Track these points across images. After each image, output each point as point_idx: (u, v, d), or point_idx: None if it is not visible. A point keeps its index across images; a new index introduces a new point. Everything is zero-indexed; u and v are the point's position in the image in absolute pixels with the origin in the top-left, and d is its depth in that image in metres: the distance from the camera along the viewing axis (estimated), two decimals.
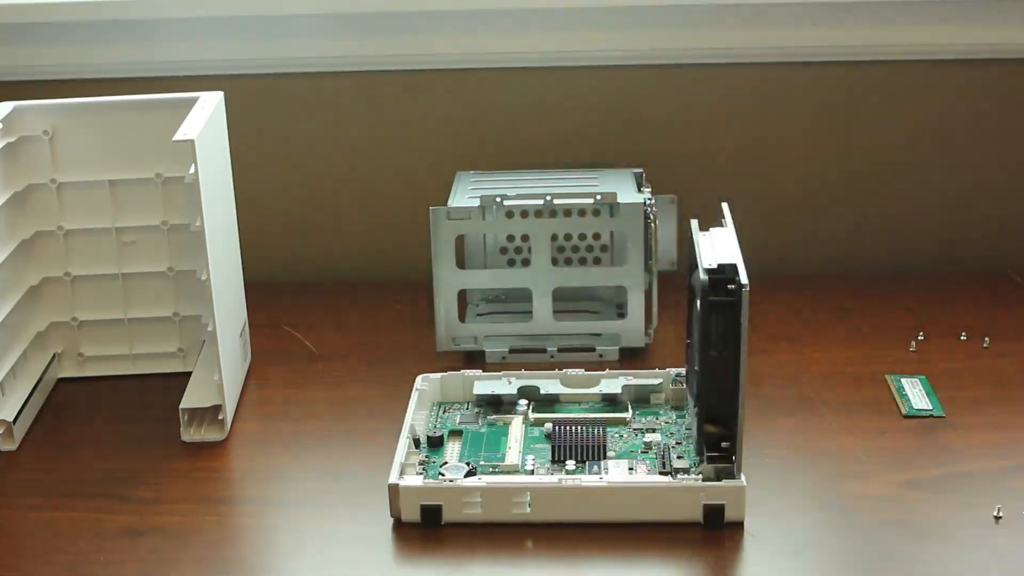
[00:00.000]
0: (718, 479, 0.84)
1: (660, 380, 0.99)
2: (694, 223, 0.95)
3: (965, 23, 1.22)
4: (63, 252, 1.07)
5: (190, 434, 0.98)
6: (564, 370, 1.01)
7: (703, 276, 0.86)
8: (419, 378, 1.00)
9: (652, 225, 1.07)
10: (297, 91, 1.28)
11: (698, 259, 0.89)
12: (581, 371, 1.00)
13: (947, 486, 0.88)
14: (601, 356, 1.09)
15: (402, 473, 0.86)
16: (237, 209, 1.09)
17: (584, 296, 1.16)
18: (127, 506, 0.90)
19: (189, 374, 1.04)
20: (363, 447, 0.96)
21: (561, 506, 0.84)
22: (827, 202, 1.30)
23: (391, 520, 0.85)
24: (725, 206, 0.99)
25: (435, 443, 0.92)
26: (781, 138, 1.28)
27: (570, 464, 0.89)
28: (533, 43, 1.25)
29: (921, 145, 1.28)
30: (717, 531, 0.83)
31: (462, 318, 1.13)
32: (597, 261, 1.17)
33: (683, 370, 0.99)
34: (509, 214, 1.08)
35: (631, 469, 0.89)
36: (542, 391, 0.98)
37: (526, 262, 1.14)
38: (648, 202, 1.08)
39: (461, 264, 1.13)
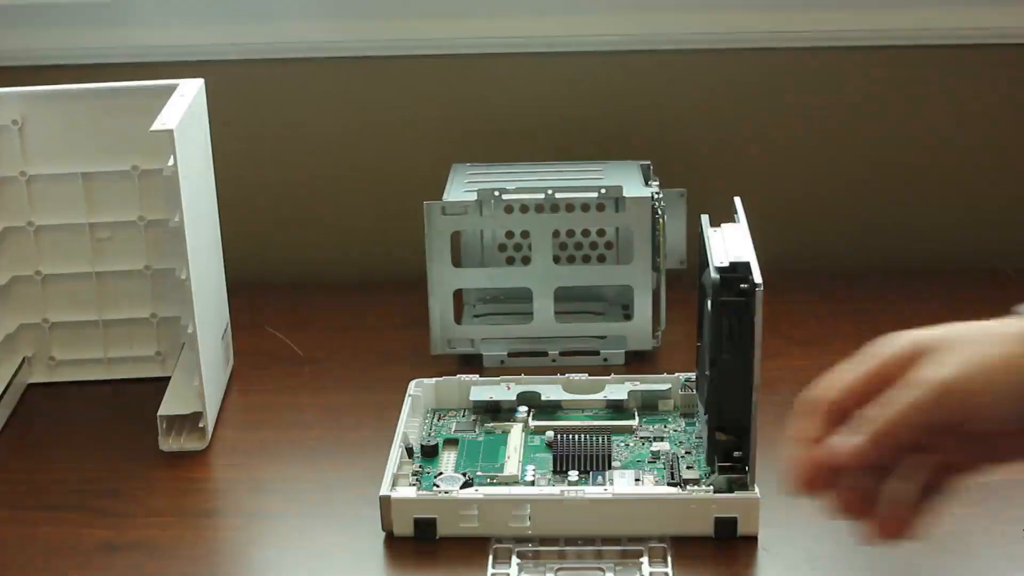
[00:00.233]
0: (730, 490, 0.84)
1: (668, 385, 0.99)
2: (705, 219, 0.96)
3: (996, 4, 1.23)
4: (33, 249, 1.07)
5: (169, 443, 0.98)
6: (566, 375, 1.01)
7: (714, 275, 0.86)
8: (412, 383, 1.00)
9: (660, 221, 1.08)
10: (282, 78, 1.28)
11: (709, 257, 0.89)
12: (584, 376, 1.01)
13: (970, 496, 0.88)
14: (606, 360, 1.09)
15: (394, 484, 0.87)
16: (219, 204, 1.09)
17: (588, 296, 1.16)
18: (103, 519, 0.90)
19: (168, 379, 1.05)
20: (353, 457, 0.97)
21: (563, 519, 0.84)
22: (845, 197, 1.30)
23: (383, 534, 0.86)
24: (738, 201, 0.99)
25: (429, 452, 0.92)
26: (797, 129, 1.28)
27: (573, 475, 0.89)
28: (533, 27, 1.25)
29: (948, 137, 1.28)
30: (729, 545, 0.83)
31: (458, 319, 1.13)
32: (601, 259, 1.17)
33: (693, 374, 0.99)
34: (508, 209, 1.08)
35: (638, 480, 0.89)
36: (543, 397, 0.99)
37: (526, 260, 1.14)
38: (656, 196, 1.08)
39: (457, 262, 1.13)
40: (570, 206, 1.08)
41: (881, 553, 0.82)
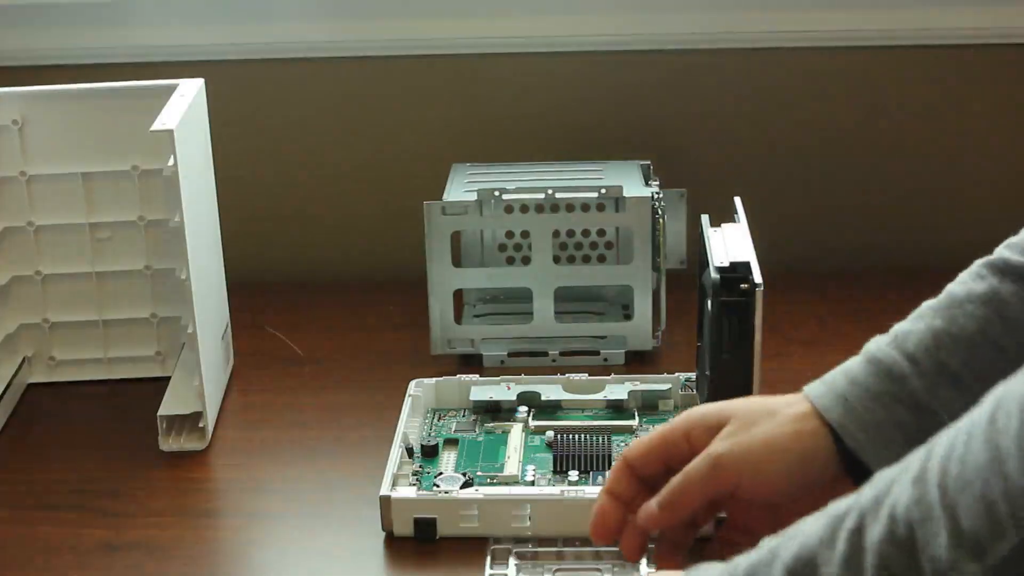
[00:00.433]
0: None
1: (669, 385, 0.99)
2: (705, 219, 0.96)
3: (996, 4, 1.23)
4: (33, 249, 1.07)
5: (169, 443, 0.98)
6: (566, 375, 1.01)
7: (714, 275, 0.87)
8: (412, 383, 1.00)
9: (660, 221, 1.08)
10: (282, 78, 1.28)
11: (709, 257, 0.90)
12: (585, 376, 1.01)
13: None
14: (606, 360, 1.09)
15: (394, 484, 0.87)
16: (219, 204, 1.09)
17: (588, 296, 1.16)
18: (102, 519, 0.90)
19: (168, 379, 1.05)
20: (353, 456, 0.97)
21: (563, 520, 0.84)
22: (846, 197, 1.30)
23: (383, 534, 0.86)
24: (738, 200, 0.99)
25: (429, 452, 0.92)
26: (797, 129, 1.28)
27: (573, 475, 0.89)
28: (533, 27, 1.25)
29: (949, 136, 1.28)
30: None
31: (458, 319, 1.13)
32: (602, 259, 1.17)
33: (693, 375, 0.99)
34: (508, 209, 1.08)
35: None
36: (543, 397, 0.99)
37: (526, 260, 1.14)
38: (656, 196, 1.08)
39: (457, 262, 1.14)
40: (570, 206, 1.08)
41: None
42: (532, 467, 0.91)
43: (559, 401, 0.99)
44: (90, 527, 0.89)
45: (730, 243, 0.91)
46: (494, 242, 1.17)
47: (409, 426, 0.95)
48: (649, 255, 1.08)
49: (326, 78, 1.28)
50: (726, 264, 0.87)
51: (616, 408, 0.98)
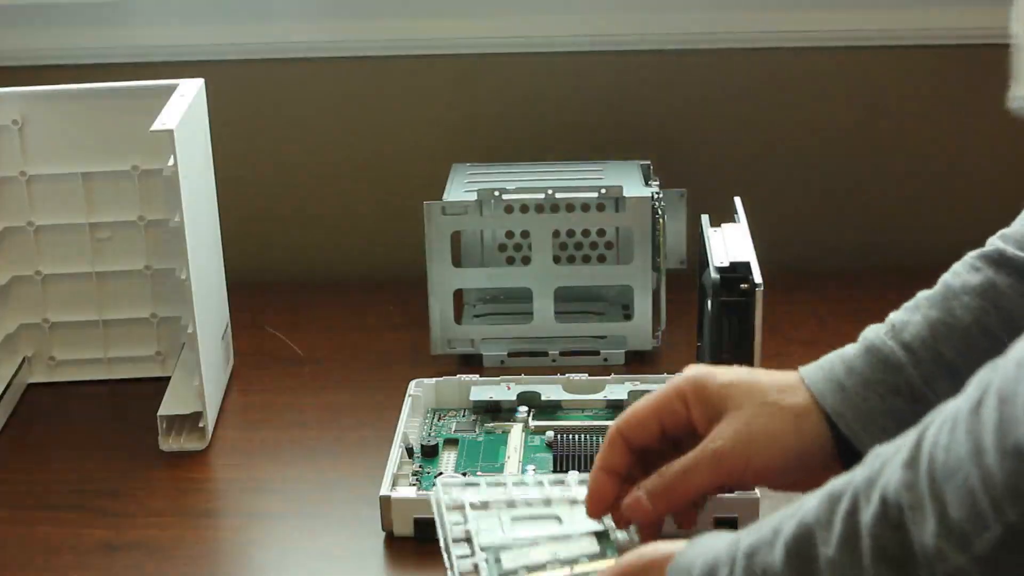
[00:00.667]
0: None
1: None
2: (705, 219, 0.96)
3: (996, 4, 1.23)
4: (33, 249, 1.07)
5: (169, 443, 0.98)
6: (566, 375, 1.01)
7: (714, 275, 0.87)
8: (412, 383, 1.00)
9: (660, 221, 1.08)
10: (282, 78, 1.28)
11: (709, 257, 0.90)
12: (585, 376, 1.01)
13: None
14: (606, 360, 1.09)
15: (394, 484, 0.87)
16: (219, 204, 1.09)
17: (588, 296, 1.16)
18: (102, 519, 0.90)
19: (168, 379, 1.05)
20: (353, 456, 0.97)
21: None
22: (846, 196, 1.30)
23: (383, 534, 0.86)
24: (738, 201, 0.99)
25: (429, 452, 0.92)
26: (797, 129, 1.28)
27: (573, 474, 0.89)
28: (533, 26, 1.25)
29: (949, 136, 1.28)
30: None
31: (458, 319, 1.13)
32: (602, 259, 1.17)
33: None
34: (508, 209, 1.08)
35: None
36: (543, 397, 0.99)
37: (526, 260, 1.14)
38: (656, 196, 1.08)
39: (457, 262, 1.14)
40: (570, 206, 1.08)
41: None
42: (532, 467, 0.91)
43: (559, 401, 0.99)
44: (90, 527, 0.89)
45: (730, 243, 0.91)
46: (494, 242, 1.17)
47: (409, 426, 0.95)
48: (649, 255, 1.08)
49: (326, 78, 1.28)
50: (726, 264, 0.87)
51: (616, 408, 0.98)
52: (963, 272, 0.75)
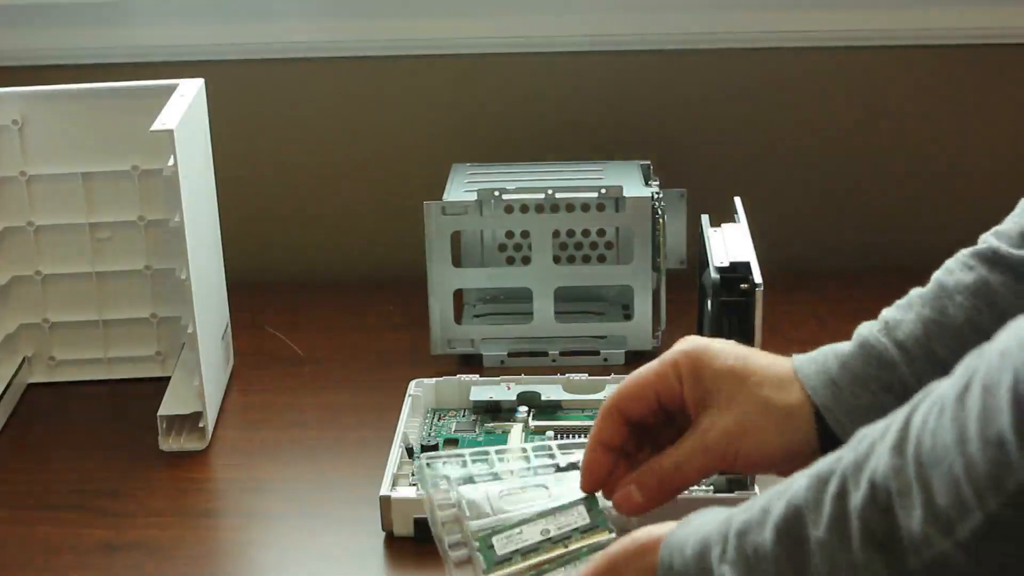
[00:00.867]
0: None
1: None
2: (705, 219, 0.96)
3: (996, 4, 1.23)
4: (33, 249, 1.07)
5: (169, 443, 0.98)
6: (566, 375, 1.01)
7: (714, 275, 0.87)
8: (412, 383, 1.00)
9: (660, 221, 1.08)
10: (282, 78, 1.28)
11: (709, 257, 0.89)
12: (585, 376, 1.01)
13: None
14: (606, 360, 1.09)
15: (394, 484, 0.87)
16: (219, 204, 1.09)
17: (588, 296, 1.16)
18: (103, 519, 0.90)
19: (168, 379, 1.05)
20: (353, 456, 0.97)
21: None
22: (846, 196, 1.30)
23: (383, 534, 0.86)
24: (738, 200, 0.99)
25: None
26: (797, 128, 1.28)
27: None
28: (533, 26, 1.25)
29: (949, 136, 1.28)
30: None
31: (458, 319, 1.13)
32: (602, 259, 1.17)
33: None
34: (508, 209, 1.08)
35: None
36: (543, 397, 0.99)
37: (526, 260, 1.14)
38: (656, 196, 1.08)
39: (457, 262, 1.13)
40: (570, 206, 1.08)
41: None
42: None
43: (559, 401, 0.99)
44: (90, 527, 0.89)
45: (730, 243, 0.91)
46: (494, 242, 1.17)
47: (409, 426, 0.95)
48: (649, 255, 1.08)
49: (326, 78, 1.28)
50: (726, 264, 0.87)
51: None
52: (956, 270, 0.75)
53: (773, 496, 0.59)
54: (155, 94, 1.01)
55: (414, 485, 0.88)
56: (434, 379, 1.01)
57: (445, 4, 1.25)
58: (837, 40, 1.25)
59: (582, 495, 0.75)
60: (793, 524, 0.56)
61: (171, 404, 1.00)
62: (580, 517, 0.74)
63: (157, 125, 0.93)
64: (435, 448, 0.92)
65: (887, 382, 0.72)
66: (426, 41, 1.26)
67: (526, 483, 0.77)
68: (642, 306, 1.09)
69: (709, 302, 0.88)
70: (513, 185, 1.10)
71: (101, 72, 1.19)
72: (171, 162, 0.93)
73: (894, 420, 0.54)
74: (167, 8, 1.26)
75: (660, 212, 1.08)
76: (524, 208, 1.08)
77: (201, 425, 0.98)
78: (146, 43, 1.26)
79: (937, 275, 0.76)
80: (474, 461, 0.78)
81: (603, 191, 1.07)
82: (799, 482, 0.58)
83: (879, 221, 1.31)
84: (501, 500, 0.75)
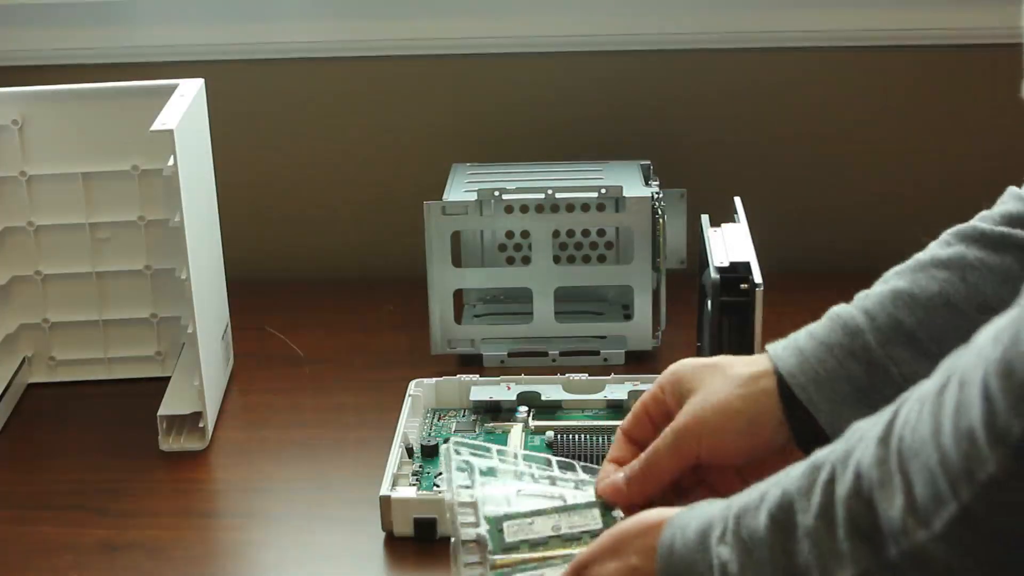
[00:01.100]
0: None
1: None
2: (705, 219, 0.96)
3: (996, 4, 1.23)
4: (33, 249, 1.07)
5: (169, 443, 0.98)
6: (566, 375, 1.01)
7: (714, 275, 0.87)
8: (412, 383, 1.00)
9: (660, 221, 1.08)
10: (282, 78, 1.28)
11: (709, 257, 0.90)
12: (585, 376, 1.01)
13: None
14: (606, 360, 1.09)
15: (394, 484, 0.87)
16: (219, 203, 1.09)
17: (588, 296, 1.16)
18: (103, 519, 0.90)
19: (168, 379, 1.05)
20: (353, 457, 0.97)
21: None
22: (846, 196, 1.30)
23: (383, 534, 0.86)
24: (738, 201, 0.99)
25: (429, 452, 0.92)
26: (797, 129, 1.28)
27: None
28: (533, 27, 1.25)
29: (949, 137, 1.28)
30: None
31: (458, 319, 1.13)
32: (602, 259, 1.17)
33: None
34: (508, 209, 1.08)
35: None
36: (543, 397, 0.99)
37: (526, 260, 1.14)
38: (656, 196, 1.08)
39: (457, 262, 1.14)
40: (570, 206, 1.08)
41: None
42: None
43: (559, 401, 0.99)
44: (90, 527, 0.89)
45: (730, 243, 0.91)
46: (494, 242, 1.17)
47: (409, 426, 0.95)
48: (649, 255, 1.08)
49: (326, 78, 1.28)
50: (726, 264, 0.87)
51: (616, 408, 0.98)
52: (935, 247, 0.76)
53: (772, 482, 0.60)
54: (155, 94, 1.01)
55: (414, 485, 0.88)
56: (434, 379, 1.01)
57: (445, 4, 1.25)
58: (837, 40, 1.25)
59: (599, 500, 0.75)
60: (785, 511, 0.57)
61: (171, 404, 1.00)
62: (593, 520, 0.74)
63: (157, 125, 0.93)
64: (435, 448, 0.92)
65: (851, 348, 0.71)
66: (426, 41, 1.26)
67: (545, 491, 0.77)
68: (642, 306, 1.09)
69: (709, 302, 0.88)
70: (513, 185, 1.10)
71: (101, 72, 1.19)
72: (171, 162, 0.93)
73: (884, 414, 0.55)
74: (167, 8, 1.26)
75: (660, 212, 1.08)
76: (524, 208, 1.08)
77: (201, 425, 0.98)
78: (146, 43, 1.26)
79: (917, 254, 0.76)
80: (501, 460, 0.78)
81: (603, 191, 1.07)
82: (796, 470, 0.58)
83: (879, 221, 1.31)
84: (519, 498, 0.75)
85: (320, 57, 1.27)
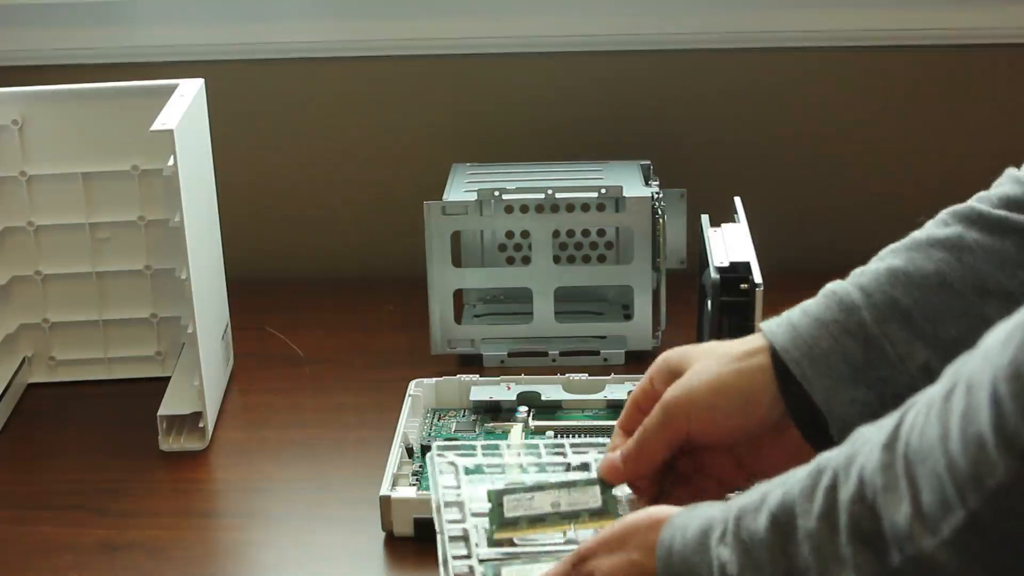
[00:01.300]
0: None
1: None
2: (705, 218, 0.96)
3: (996, 4, 1.23)
4: (33, 249, 1.07)
5: (169, 443, 0.98)
6: (567, 375, 1.01)
7: (714, 275, 0.87)
8: (412, 383, 1.00)
9: (660, 221, 1.08)
10: (282, 78, 1.28)
11: (709, 257, 0.90)
12: (585, 376, 1.01)
13: None
14: (606, 360, 1.09)
15: (394, 484, 0.87)
16: (219, 203, 1.09)
17: (588, 296, 1.16)
18: (103, 519, 0.90)
19: (168, 379, 1.05)
20: (353, 457, 0.97)
21: None
22: (846, 197, 1.30)
23: (383, 534, 0.86)
24: (738, 200, 0.99)
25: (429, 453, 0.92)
26: (797, 129, 1.28)
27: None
28: (533, 27, 1.25)
29: (949, 137, 1.28)
30: None
31: (458, 319, 1.13)
32: (602, 259, 1.17)
33: None
34: (508, 209, 1.08)
35: None
36: (543, 397, 0.99)
37: (526, 260, 1.14)
38: (656, 196, 1.08)
39: (457, 262, 1.14)
40: (570, 206, 1.08)
41: None
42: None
43: (559, 401, 0.99)
44: (90, 527, 0.89)
45: (730, 243, 0.91)
46: (494, 242, 1.17)
47: (409, 426, 0.95)
48: (649, 255, 1.08)
49: (326, 78, 1.28)
50: (726, 264, 0.87)
51: (616, 408, 0.98)
52: (932, 227, 0.74)
53: (774, 484, 0.59)
54: (155, 94, 1.01)
55: (414, 485, 0.88)
56: (434, 379, 1.01)
57: (445, 4, 1.25)
58: (837, 40, 1.25)
59: (599, 478, 0.75)
60: (786, 513, 0.57)
61: (171, 404, 1.00)
62: (593, 498, 0.74)
63: (157, 125, 0.93)
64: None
65: (846, 324, 0.70)
66: (426, 41, 1.26)
67: (536, 479, 0.77)
68: (642, 306, 1.09)
69: (709, 302, 0.88)
70: (513, 185, 1.10)
71: (101, 72, 1.19)
72: (171, 162, 0.93)
73: (889, 419, 0.55)
74: (167, 8, 1.26)
75: (660, 212, 1.08)
76: (524, 208, 1.08)
77: (201, 425, 0.98)
78: (146, 43, 1.26)
79: (913, 232, 0.75)
80: (485, 454, 0.78)
81: (603, 191, 1.07)
82: (799, 472, 0.58)
83: (879, 221, 1.31)
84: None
85: (320, 57, 1.27)
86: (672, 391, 0.72)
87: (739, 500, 0.61)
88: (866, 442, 0.55)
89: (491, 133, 1.28)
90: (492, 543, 0.72)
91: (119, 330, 1.09)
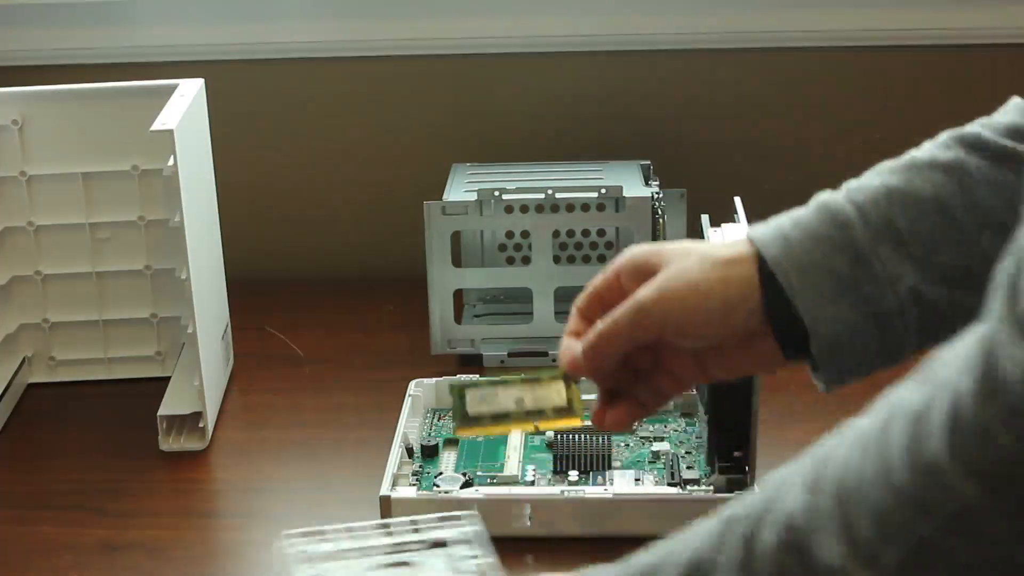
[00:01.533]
0: (730, 491, 0.84)
1: None
2: (705, 218, 0.96)
3: (996, 4, 1.23)
4: (33, 249, 1.07)
5: (169, 443, 0.98)
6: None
7: None
8: (412, 383, 1.00)
9: (660, 221, 1.08)
10: (282, 78, 1.28)
11: None
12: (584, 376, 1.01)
13: None
14: None
15: (394, 484, 0.87)
16: (219, 203, 1.09)
17: None
18: (103, 519, 0.90)
19: (168, 379, 1.05)
20: (353, 457, 0.97)
21: (563, 519, 0.84)
22: None
23: None
24: (738, 201, 0.99)
25: (429, 452, 0.92)
26: (798, 129, 1.28)
27: (573, 475, 0.89)
28: (534, 27, 1.25)
29: None
30: None
31: (458, 319, 1.13)
32: (602, 259, 1.17)
33: None
34: (508, 209, 1.08)
35: (638, 480, 0.89)
36: None
37: (526, 260, 1.14)
38: (656, 196, 1.08)
39: (457, 262, 1.14)
40: (570, 206, 1.08)
41: None
42: (532, 467, 0.91)
43: None
44: (90, 527, 0.89)
45: None
46: (494, 242, 1.17)
47: (409, 426, 0.95)
48: None
49: (326, 78, 1.28)
50: None
51: None
52: (933, 148, 0.72)
53: (675, 542, 0.57)
54: (155, 94, 1.01)
55: (414, 485, 0.88)
56: (434, 379, 1.01)
57: (445, 4, 1.25)
58: (837, 40, 1.25)
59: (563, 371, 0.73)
60: (696, 570, 0.54)
61: (171, 404, 1.00)
62: (557, 395, 0.73)
63: (157, 125, 0.93)
64: (435, 448, 0.92)
65: (839, 242, 0.68)
66: (426, 41, 1.26)
67: (391, 559, 0.74)
68: None
69: None
70: (513, 185, 1.10)
71: (101, 72, 1.19)
72: (171, 162, 0.93)
73: (804, 462, 0.53)
74: (167, 8, 1.26)
75: (660, 212, 1.08)
76: (524, 208, 1.08)
77: (201, 425, 0.98)
78: (146, 43, 1.26)
79: (912, 151, 0.73)
80: (336, 538, 0.75)
81: (603, 191, 1.07)
82: (704, 528, 0.56)
83: None
84: (368, 572, 0.73)
85: (320, 57, 1.27)
86: (647, 291, 0.68)
87: (636, 562, 0.58)
88: (783, 487, 0.53)
89: (491, 133, 1.28)
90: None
91: (119, 330, 1.09)
